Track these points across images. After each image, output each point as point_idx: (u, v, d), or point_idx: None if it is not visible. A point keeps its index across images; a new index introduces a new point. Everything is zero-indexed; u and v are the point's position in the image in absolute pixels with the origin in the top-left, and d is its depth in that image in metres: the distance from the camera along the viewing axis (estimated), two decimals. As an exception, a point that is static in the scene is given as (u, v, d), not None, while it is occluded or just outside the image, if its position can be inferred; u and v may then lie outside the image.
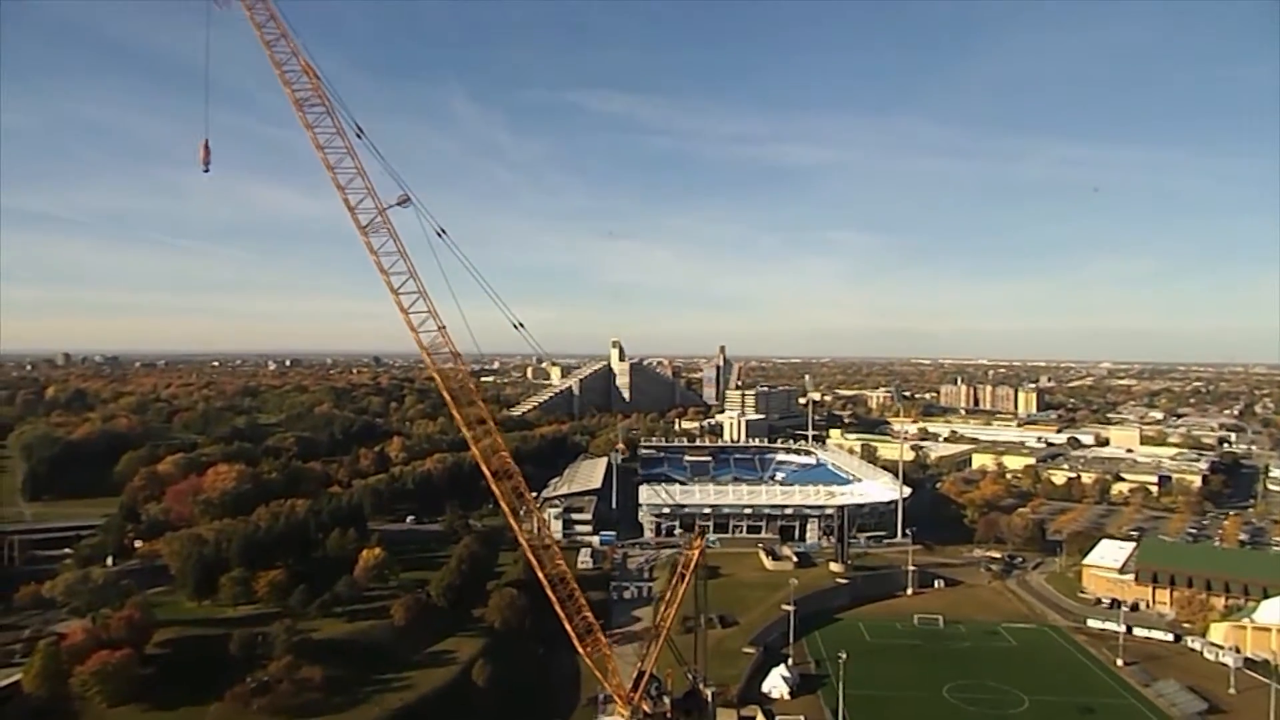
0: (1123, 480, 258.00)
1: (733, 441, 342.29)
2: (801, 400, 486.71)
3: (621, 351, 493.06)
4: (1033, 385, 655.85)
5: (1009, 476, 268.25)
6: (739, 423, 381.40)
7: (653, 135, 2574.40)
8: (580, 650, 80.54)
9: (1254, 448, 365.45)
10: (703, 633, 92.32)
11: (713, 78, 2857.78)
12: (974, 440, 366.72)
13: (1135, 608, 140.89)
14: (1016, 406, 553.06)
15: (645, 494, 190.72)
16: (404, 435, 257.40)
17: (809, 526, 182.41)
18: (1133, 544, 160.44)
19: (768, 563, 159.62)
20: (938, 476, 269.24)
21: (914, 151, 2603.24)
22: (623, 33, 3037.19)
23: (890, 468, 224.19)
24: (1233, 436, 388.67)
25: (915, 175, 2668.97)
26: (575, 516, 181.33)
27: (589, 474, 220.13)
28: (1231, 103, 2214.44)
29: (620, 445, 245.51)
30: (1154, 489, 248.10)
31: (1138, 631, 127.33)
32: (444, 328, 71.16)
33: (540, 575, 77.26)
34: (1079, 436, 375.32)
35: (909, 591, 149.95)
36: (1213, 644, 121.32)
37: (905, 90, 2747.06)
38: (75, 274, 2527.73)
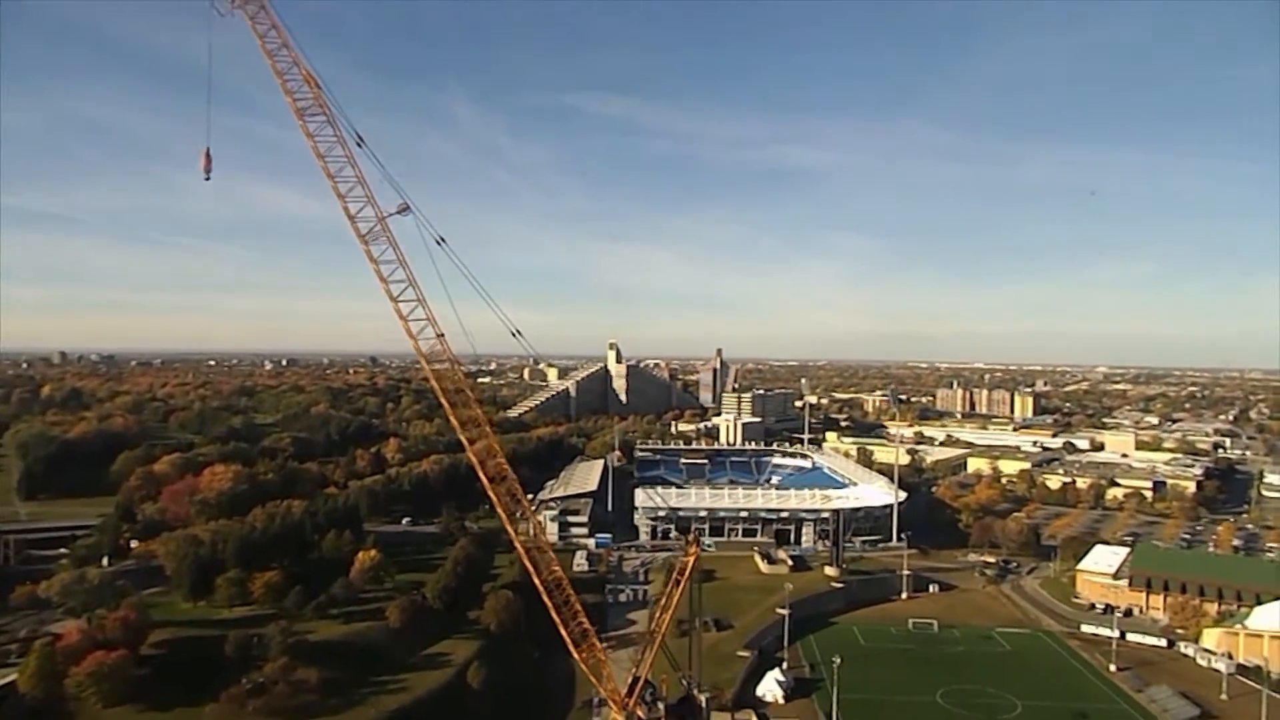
0: (1117, 485, 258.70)
1: (729, 444, 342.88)
2: (798, 403, 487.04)
3: (618, 353, 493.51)
4: (1029, 389, 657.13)
5: (1004, 481, 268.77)
6: (735, 425, 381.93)
7: (653, 138, 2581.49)
8: (576, 656, 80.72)
9: (1248, 453, 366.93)
10: (698, 637, 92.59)
11: (712, 79, 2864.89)
12: (970, 444, 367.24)
13: (1129, 613, 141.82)
14: (1012, 410, 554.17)
15: (641, 497, 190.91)
16: (400, 436, 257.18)
17: (804, 530, 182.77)
18: (1127, 549, 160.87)
19: (763, 566, 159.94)
20: (933, 480, 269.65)
21: (914, 154, 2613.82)
22: (622, 34, 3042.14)
23: (886, 471, 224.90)
24: (1227, 442, 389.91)
25: (915, 178, 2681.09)
26: (571, 519, 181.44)
27: (585, 476, 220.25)
28: (1232, 104, 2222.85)
29: (617, 453, 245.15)
30: (1148, 494, 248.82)
31: (1131, 637, 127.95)
32: (442, 335, 71.42)
33: (537, 581, 77.42)
34: (1074, 441, 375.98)
35: (904, 596, 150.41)
36: (1205, 650, 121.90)
37: (905, 91, 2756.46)
38: (74, 273, 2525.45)
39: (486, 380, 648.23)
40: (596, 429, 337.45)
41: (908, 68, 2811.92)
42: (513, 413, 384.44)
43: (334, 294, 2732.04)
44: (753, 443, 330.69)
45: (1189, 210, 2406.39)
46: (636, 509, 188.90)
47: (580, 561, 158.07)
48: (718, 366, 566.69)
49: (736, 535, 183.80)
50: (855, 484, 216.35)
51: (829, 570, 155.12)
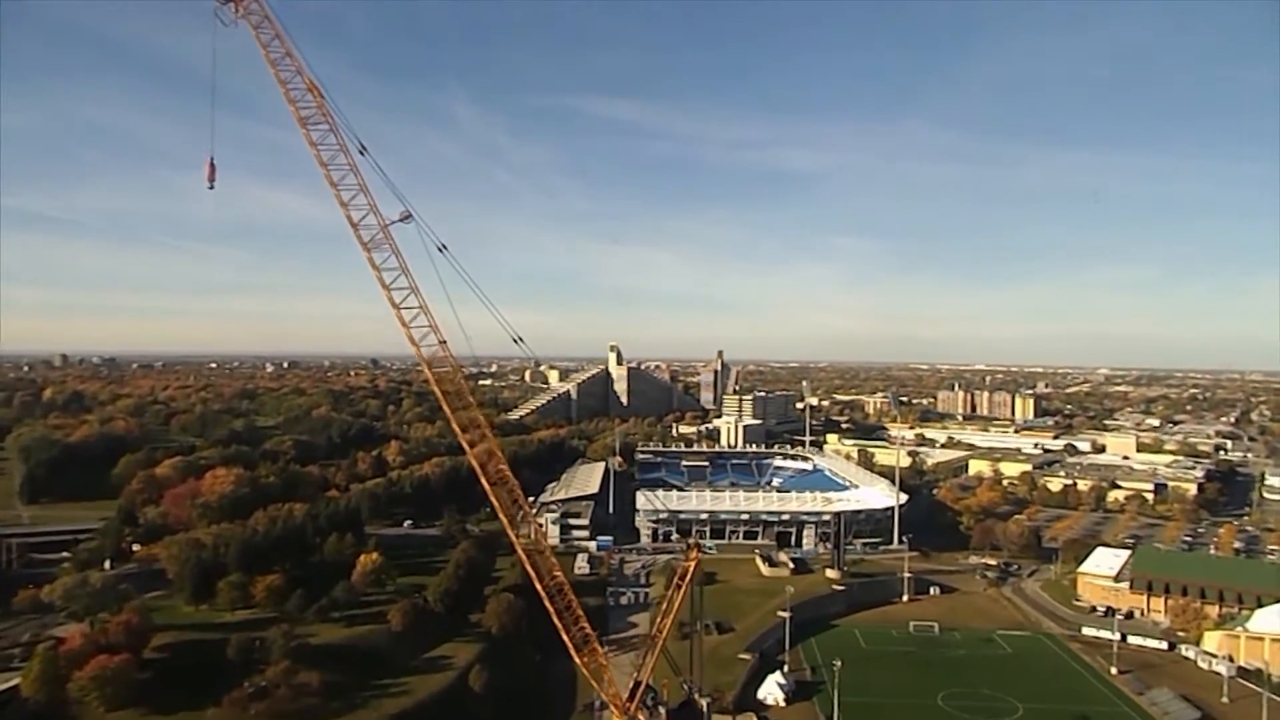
0: (1118, 487, 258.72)
1: (730, 446, 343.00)
2: (799, 405, 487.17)
3: (619, 355, 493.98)
4: (1030, 391, 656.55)
5: (1005, 483, 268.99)
6: (736, 427, 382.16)
7: (653, 139, 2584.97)
8: (578, 661, 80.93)
9: (1250, 455, 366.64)
10: (699, 641, 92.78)
11: (713, 81, 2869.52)
12: (971, 446, 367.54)
13: (1130, 616, 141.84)
14: (1014, 412, 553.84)
15: (642, 500, 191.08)
16: (401, 439, 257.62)
17: (805, 533, 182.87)
18: (1128, 552, 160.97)
19: (764, 569, 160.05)
20: (934, 483, 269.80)
21: (914, 156, 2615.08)
22: (623, 35, 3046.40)
23: (887, 474, 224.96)
24: (1229, 444, 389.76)
25: (915, 179, 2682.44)
26: (572, 522, 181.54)
27: (586, 479, 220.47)
28: (1232, 105, 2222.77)
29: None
30: (1150, 496, 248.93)
31: (1132, 639, 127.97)
32: (445, 342, 71.65)
33: (539, 587, 77.61)
34: (1076, 443, 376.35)
35: (904, 598, 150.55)
36: (1206, 653, 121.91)
37: (905, 92, 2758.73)
38: (74, 275, 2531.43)
39: (488, 383, 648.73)
40: (597, 431, 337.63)
41: (908, 68, 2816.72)
42: (514, 415, 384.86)
43: (334, 296, 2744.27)
44: (754, 445, 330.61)
45: (1189, 211, 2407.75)
46: (638, 511, 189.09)
47: (581, 564, 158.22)
48: (719, 368, 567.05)
49: (737, 538, 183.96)
50: (856, 486, 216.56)
51: (830, 573, 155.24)
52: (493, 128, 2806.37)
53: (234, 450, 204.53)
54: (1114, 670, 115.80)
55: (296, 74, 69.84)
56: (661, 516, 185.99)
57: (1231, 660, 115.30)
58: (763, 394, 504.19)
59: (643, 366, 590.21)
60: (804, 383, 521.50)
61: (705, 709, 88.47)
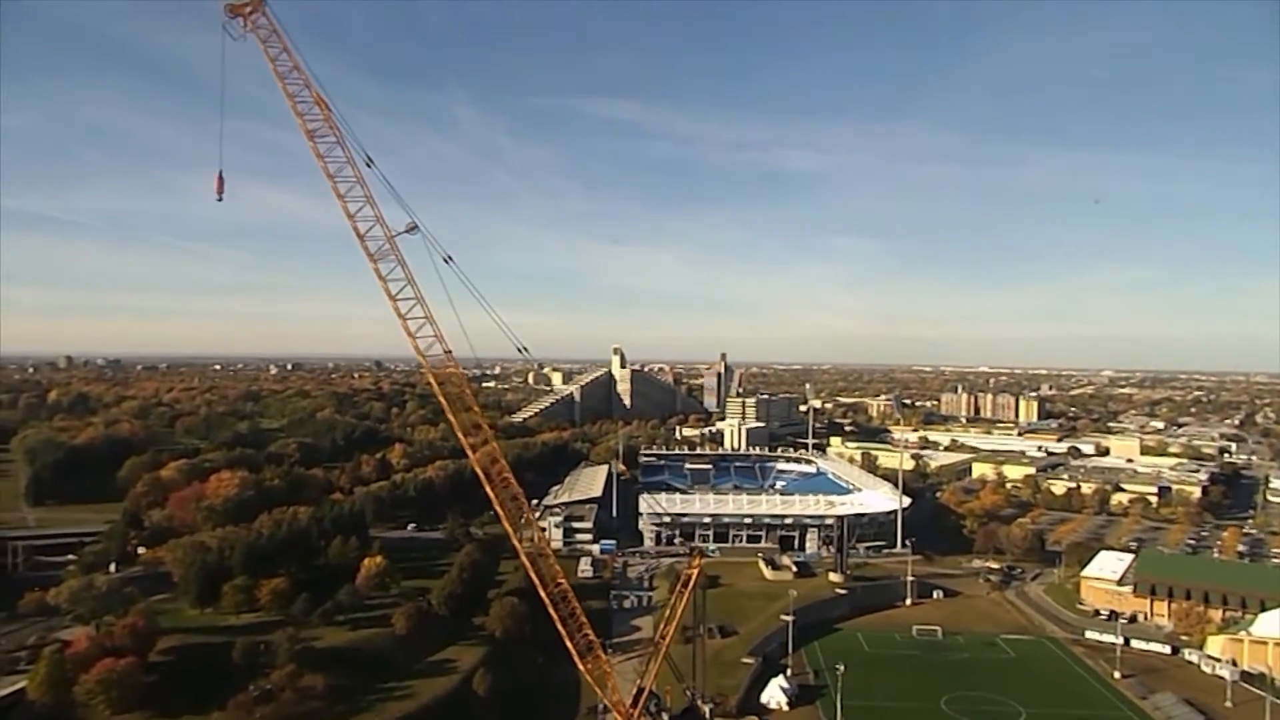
0: (1122, 491, 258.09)
1: (733, 449, 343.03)
2: (802, 408, 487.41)
3: (623, 358, 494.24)
4: (1034, 394, 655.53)
5: (1009, 486, 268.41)
6: (739, 430, 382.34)
7: (653, 140, 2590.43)
8: (581, 667, 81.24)
9: (1254, 458, 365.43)
10: (701, 646, 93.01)
11: (713, 81, 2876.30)
12: (974, 449, 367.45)
13: (1133, 620, 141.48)
14: (1017, 415, 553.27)
15: (645, 503, 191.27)
16: (405, 442, 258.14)
17: (809, 536, 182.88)
18: (1131, 555, 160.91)
19: (767, 572, 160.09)
20: (937, 486, 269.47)
21: (914, 157, 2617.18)
22: (623, 36, 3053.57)
23: (890, 477, 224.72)
24: (1233, 447, 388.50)
25: (915, 180, 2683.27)
26: (576, 525, 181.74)
27: (590, 482, 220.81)
28: (1233, 105, 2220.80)
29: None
30: (1153, 500, 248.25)
31: (1135, 644, 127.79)
32: (450, 352, 71.98)
33: (543, 594, 77.94)
34: (1079, 446, 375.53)
35: (908, 602, 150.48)
36: (1210, 657, 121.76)
37: (905, 93, 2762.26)
38: (75, 275, 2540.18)
39: (491, 385, 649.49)
40: (601, 434, 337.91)
41: (908, 69, 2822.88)
42: (517, 418, 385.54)
43: (336, 297, 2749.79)
44: (757, 448, 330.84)
45: (1189, 211, 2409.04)
46: (641, 515, 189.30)
47: (585, 567, 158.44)
48: (722, 371, 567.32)
49: (741, 541, 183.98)
50: (859, 490, 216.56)
51: (833, 576, 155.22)
52: (493, 128, 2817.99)
53: (238, 453, 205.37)
54: (1117, 674, 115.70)
55: (304, 87, 70.34)
56: (665, 520, 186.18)
57: (1235, 664, 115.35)
58: (766, 396, 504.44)
59: (646, 368, 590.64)
60: (807, 385, 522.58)
61: (708, 715, 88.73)
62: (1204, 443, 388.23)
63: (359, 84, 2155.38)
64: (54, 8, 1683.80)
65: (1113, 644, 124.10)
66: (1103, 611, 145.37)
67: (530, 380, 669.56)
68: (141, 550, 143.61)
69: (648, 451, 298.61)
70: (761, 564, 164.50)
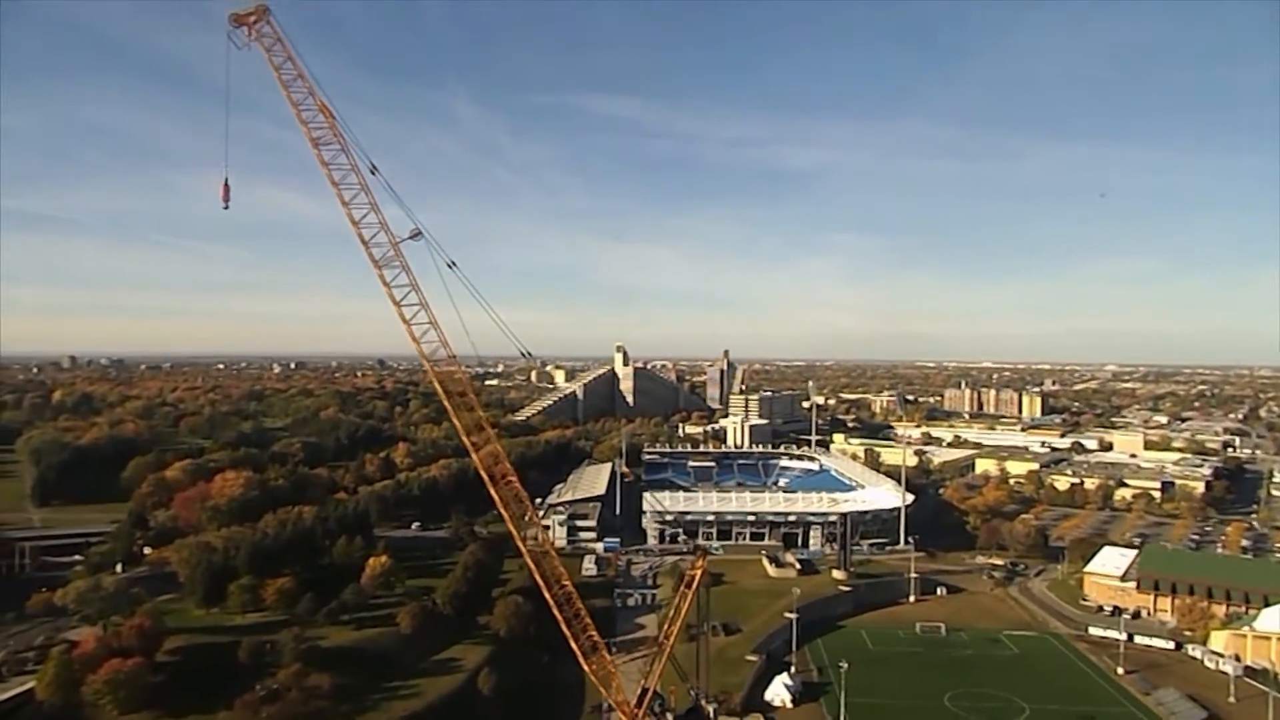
0: (1126, 486, 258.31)
1: (736, 446, 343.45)
2: (805, 404, 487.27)
3: (625, 356, 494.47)
4: (1037, 389, 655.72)
5: (1012, 482, 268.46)
6: (743, 427, 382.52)
7: (653, 137, 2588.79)
8: (586, 668, 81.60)
9: (1258, 453, 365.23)
10: (705, 645, 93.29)
11: (713, 78, 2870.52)
12: (978, 445, 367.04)
13: (1136, 615, 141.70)
14: (1021, 410, 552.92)
15: (649, 501, 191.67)
16: (409, 440, 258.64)
17: (812, 533, 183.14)
18: (1134, 551, 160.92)
19: (771, 570, 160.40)
20: (941, 482, 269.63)
21: (913, 152, 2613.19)
22: (623, 33, 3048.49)
23: (894, 473, 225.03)
24: (1237, 441, 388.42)
25: (914, 176, 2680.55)
26: (580, 523, 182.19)
27: (593, 480, 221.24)
28: (1233, 97, 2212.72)
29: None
30: (1157, 495, 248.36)
31: (1139, 639, 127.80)
32: (455, 357, 72.19)
33: (547, 595, 78.23)
34: (1083, 441, 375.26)
35: (911, 599, 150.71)
36: (1213, 652, 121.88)
37: (905, 89, 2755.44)
38: (75, 274, 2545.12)
39: (494, 383, 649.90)
40: (604, 432, 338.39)
41: (907, 65, 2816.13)
42: (520, 416, 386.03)
43: (339, 295, 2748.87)
44: (760, 445, 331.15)
45: (1191, 205, 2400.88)
46: (645, 513, 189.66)
47: (589, 566, 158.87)
48: (725, 368, 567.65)
49: (744, 538, 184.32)
50: (862, 486, 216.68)
51: (836, 573, 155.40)
52: (493, 126, 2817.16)
53: (243, 453, 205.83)
54: (1121, 670, 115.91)
55: (309, 95, 70.41)
56: (668, 518, 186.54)
57: (1238, 660, 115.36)
58: (769, 393, 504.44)
59: (649, 366, 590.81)
60: (810, 382, 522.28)
61: (712, 714, 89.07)
62: (1208, 437, 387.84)
63: (359, 81, 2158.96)
64: (54, 7, 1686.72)
65: (1116, 640, 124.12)
66: (1106, 607, 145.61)
67: (533, 378, 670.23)
68: (147, 550, 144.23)
69: (651, 449, 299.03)
70: (765, 561, 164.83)
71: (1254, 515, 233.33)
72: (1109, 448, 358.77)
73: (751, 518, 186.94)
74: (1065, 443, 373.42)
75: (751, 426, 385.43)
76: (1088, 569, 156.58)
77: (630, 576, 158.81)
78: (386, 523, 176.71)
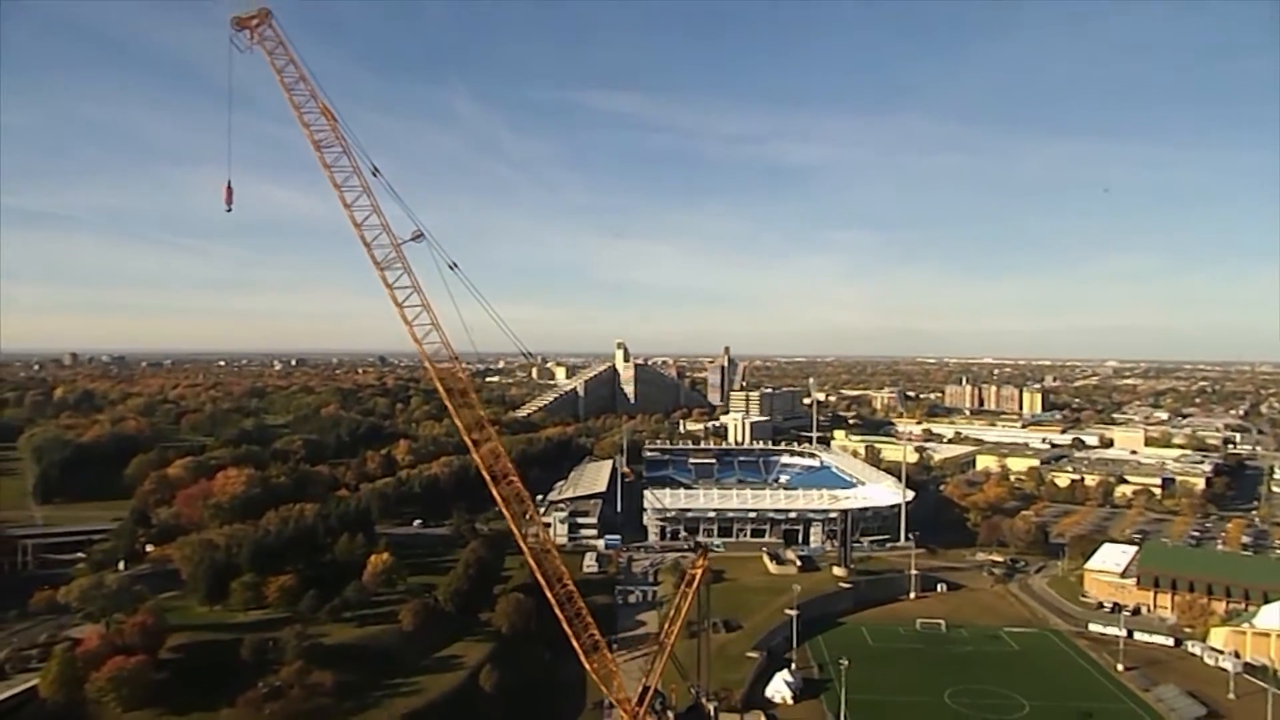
0: (1126, 482, 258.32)
1: (737, 443, 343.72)
2: (805, 401, 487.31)
3: (626, 353, 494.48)
4: (1038, 385, 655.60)
5: (1012, 478, 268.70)
6: (743, 424, 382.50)
7: (654, 133, 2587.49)
8: (587, 666, 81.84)
9: (1259, 449, 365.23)
10: (706, 643, 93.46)
11: (713, 74, 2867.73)
12: (978, 441, 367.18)
13: (1136, 612, 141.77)
14: (1021, 407, 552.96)
15: (650, 498, 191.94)
16: (410, 438, 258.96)
17: (812, 530, 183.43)
18: (1135, 548, 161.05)
19: (771, 567, 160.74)
20: (941, 479, 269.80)
21: (913, 148, 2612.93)
22: (623, 29, 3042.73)
23: (894, 470, 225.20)
24: (1238, 437, 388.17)
25: (914, 171, 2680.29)
26: (580, 520, 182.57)
27: (594, 477, 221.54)
28: (1233, 92, 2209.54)
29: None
30: (1157, 491, 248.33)
31: (1139, 636, 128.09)
32: (458, 358, 72.29)
33: (548, 594, 78.38)
34: (1083, 437, 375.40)
35: (911, 596, 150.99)
36: (1213, 649, 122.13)
37: (905, 85, 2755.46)
38: (75, 272, 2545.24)
39: (495, 379, 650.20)
40: (605, 429, 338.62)
41: (906, 61, 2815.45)
42: (521, 413, 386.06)
43: (339, 292, 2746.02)
44: (761, 442, 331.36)
45: (1191, 200, 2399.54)
46: (645, 510, 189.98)
47: (590, 563, 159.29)
48: (725, 364, 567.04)
49: (745, 535, 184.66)
50: (863, 483, 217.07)
51: (837, 570, 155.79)
52: (493, 122, 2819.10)
53: (244, 450, 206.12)
54: (1120, 667, 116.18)
55: (311, 98, 70.37)
56: (669, 515, 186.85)
57: (1238, 656, 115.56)
58: (769, 390, 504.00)
59: (649, 363, 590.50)
60: (810, 379, 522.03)
61: (712, 712, 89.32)
62: (1208, 434, 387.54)
63: (359, 78, 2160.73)
64: (54, 5, 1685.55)
65: (1116, 636, 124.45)
66: (1106, 604, 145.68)
67: (534, 375, 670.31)
68: (150, 548, 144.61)
69: (652, 446, 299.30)
70: (765, 558, 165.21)
71: (1254, 511, 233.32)
72: (1109, 444, 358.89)
73: (752, 514, 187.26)
74: (1066, 439, 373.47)
75: (752, 423, 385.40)
76: (1088, 565, 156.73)
77: (631, 573, 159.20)
78: (388, 520, 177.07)
